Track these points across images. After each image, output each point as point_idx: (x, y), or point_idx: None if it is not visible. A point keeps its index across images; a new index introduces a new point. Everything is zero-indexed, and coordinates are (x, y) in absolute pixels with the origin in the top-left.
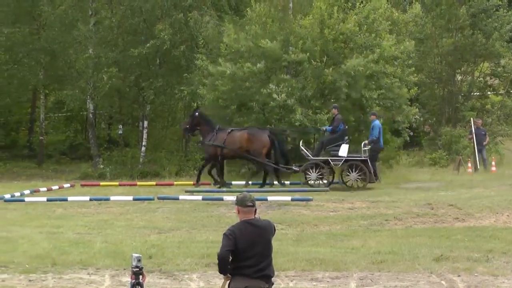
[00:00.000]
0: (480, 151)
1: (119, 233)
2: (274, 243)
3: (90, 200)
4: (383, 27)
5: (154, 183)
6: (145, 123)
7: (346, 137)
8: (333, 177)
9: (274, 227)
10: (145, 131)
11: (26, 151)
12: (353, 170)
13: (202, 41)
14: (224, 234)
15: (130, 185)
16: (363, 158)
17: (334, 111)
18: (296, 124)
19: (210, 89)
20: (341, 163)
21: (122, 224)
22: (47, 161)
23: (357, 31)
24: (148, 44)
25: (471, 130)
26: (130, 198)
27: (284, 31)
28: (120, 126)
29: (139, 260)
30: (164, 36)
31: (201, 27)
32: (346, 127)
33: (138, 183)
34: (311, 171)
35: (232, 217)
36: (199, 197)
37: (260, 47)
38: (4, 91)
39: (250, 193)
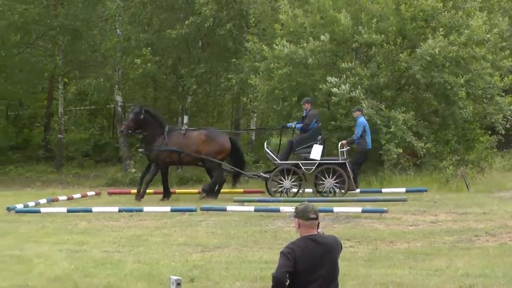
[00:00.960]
0: None
1: (154, 251)
2: (342, 263)
3: (120, 211)
4: (473, 4)
5: (196, 190)
6: (185, 118)
7: (320, 136)
8: (301, 185)
9: (341, 244)
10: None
11: (41, 152)
12: (329, 175)
13: (253, 19)
14: (282, 252)
15: None
16: (340, 161)
17: (307, 105)
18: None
19: (264, 77)
20: (314, 167)
21: (158, 240)
22: (67, 164)
23: (440, 7)
24: (187, 22)
25: None
26: (168, 208)
27: (353, 7)
28: None
29: (178, 284)
30: (206, 11)
31: (251, 2)
32: (320, 124)
33: (177, 190)
34: (284, 178)
35: (291, 232)
36: (250, 208)
37: (325, 24)
38: (15, 79)
39: (313, 203)
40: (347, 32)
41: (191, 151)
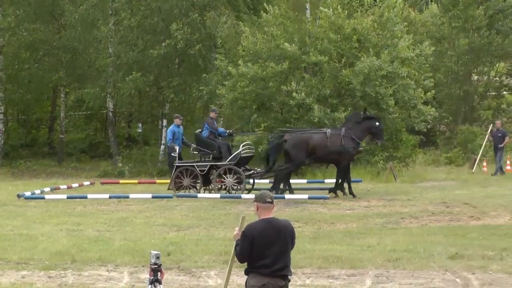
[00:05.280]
0: (495, 153)
1: (138, 230)
2: None
3: (110, 197)
4: (400, 27)
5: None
6: (164, 121)
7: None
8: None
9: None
10: (164, 130)
11: (46, 149)
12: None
13: (220, 41)
14: (243, 232)
15: (149, 183)
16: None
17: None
18: (315, 120)
19: (230, 89)
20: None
21: (141, 221)
22: (67, 159)
23: (370, 30)
24: (164, 44)
25: (491, 132)
26: (149, 196)
27: (301, 32)
28: (140, 125)
29: (157, 257)
30: (178, 36)
31: (219, 27)
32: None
33: (157, 181)
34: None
35: (250, 215)
36: (217, 195)
37: (279, 48)
38: (24, 89)
39: (268, 191)
40: (297, 53)
41: None
